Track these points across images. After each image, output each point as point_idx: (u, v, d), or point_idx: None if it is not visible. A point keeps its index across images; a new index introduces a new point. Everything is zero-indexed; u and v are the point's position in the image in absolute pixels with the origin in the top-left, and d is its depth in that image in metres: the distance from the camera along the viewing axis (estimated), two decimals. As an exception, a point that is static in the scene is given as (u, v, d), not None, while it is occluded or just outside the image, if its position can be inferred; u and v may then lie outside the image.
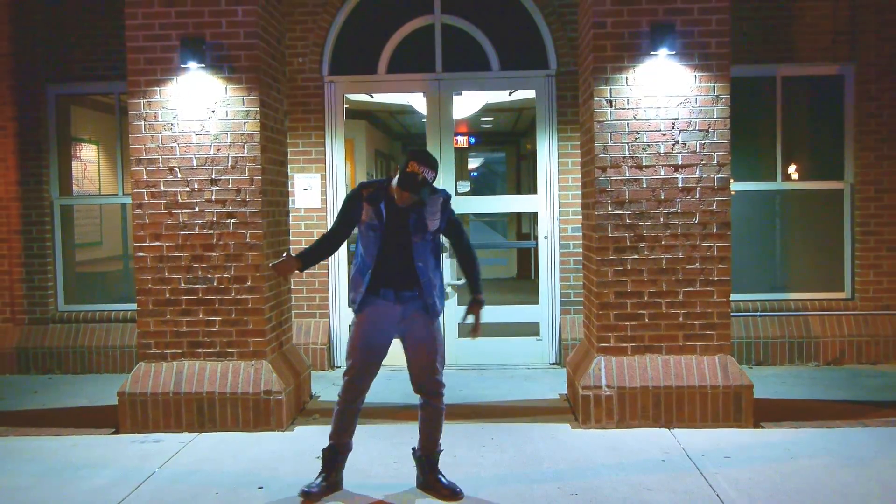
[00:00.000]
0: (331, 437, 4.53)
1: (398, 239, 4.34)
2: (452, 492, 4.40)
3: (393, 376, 6.90)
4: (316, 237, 7.76)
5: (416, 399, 4.57)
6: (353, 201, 4.41)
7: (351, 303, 4.47)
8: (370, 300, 4.38)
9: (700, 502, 4.33)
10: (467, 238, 4.55)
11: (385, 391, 6.70)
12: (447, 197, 4.45)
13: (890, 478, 4.61)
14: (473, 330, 4.51)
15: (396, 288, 4.35)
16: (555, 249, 7.82)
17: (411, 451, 4.63)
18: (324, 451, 4.54)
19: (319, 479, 4.48)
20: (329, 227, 4.52)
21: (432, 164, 4.27)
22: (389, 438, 5.45)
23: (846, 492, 4.42)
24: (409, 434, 5.22)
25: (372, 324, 4.40)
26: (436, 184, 4.41)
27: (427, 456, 4.51)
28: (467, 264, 4.53)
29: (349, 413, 4.52)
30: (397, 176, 4.30)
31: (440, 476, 4.49)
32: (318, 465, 4.78)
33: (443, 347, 4.51)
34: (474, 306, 4.48)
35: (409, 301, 4.38)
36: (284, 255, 4.60)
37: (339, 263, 7.91)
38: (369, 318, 4.40)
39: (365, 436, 5.26)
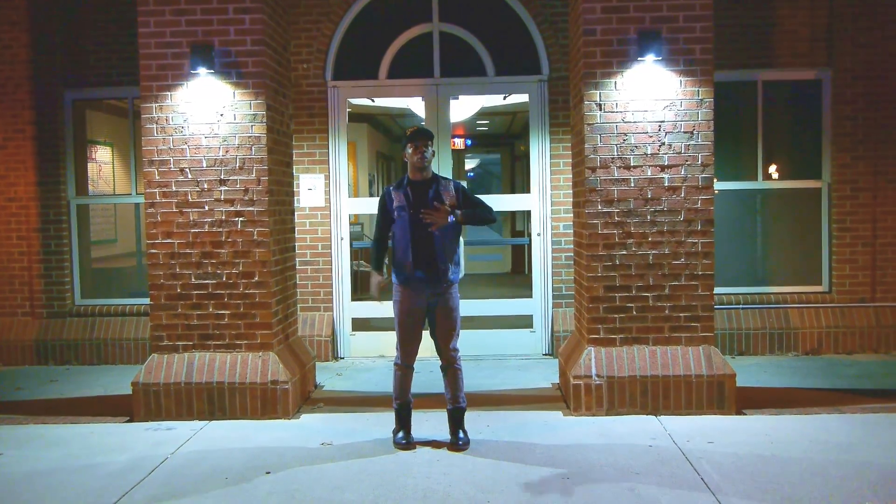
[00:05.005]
0: (396, 399, 5.17)
1: (421, 215, 4.93)
2: (455, 445, 5.02)
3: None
4: (320, 234, 7.83)
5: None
6: (385, 197, 5.11)
7: (398, 279, 5.05)
8: (410, 280, 4.99)
9: (685, 485, 4.34)
10: (484, 205, 5.08)
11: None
12: (457, 183, 5.12)
13: (865, 461, 4.62)
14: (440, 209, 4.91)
15: (425, 269, 4.95)
16: (547, 246, 7.82)
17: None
18: (395, 410, 5.18)
19: (402, 433, 5.11)
20: (374, 232, 5.27)
21: (423, 127, 5.07)
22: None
23: (824, 475, 4.43)
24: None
25: (411, 301, 5.03)
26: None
27: (453, 409, 5.11)
28: (478, 211, 5.06)
29: (405, 376, 5.15)
30: (407, 149, 4.97)
31: (458, 431, 5.07)
32: (323, 450, 4.81)
33: (458, 321, 5.11)
34: (445, 208, 4.92)
35: (435, 282, 4.97)
36: (377, 281, 5.21)
37: (341, 261, 7.90)
38: (407, 296, 5.03)
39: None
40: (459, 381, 5.13)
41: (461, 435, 5.05)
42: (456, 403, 5.12)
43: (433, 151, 5.04)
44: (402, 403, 5.15)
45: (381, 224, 5.15)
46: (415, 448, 5.00)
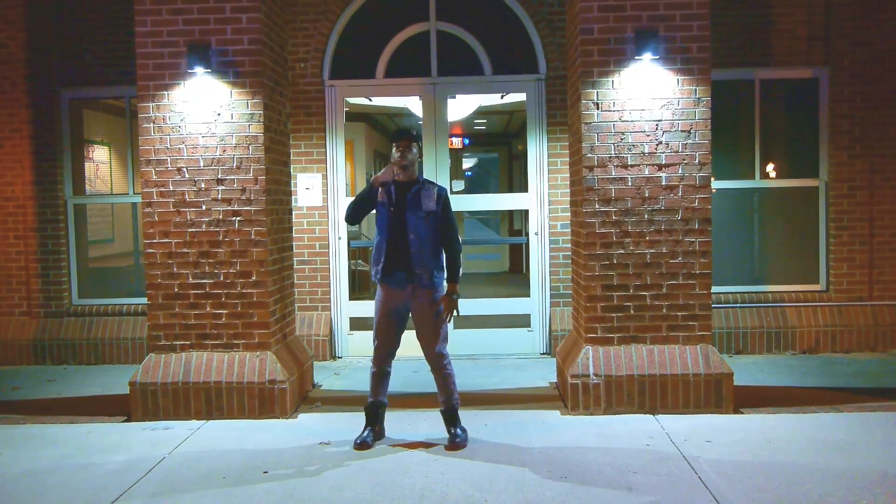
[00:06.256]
0: (370, 397, 5.15)
1: (400, 214, 4.96)
2: (452, 443, 5.01)
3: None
4: (318, 234, 7.82)
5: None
6: (371, 188, 5.05)
7: (374, 276, 5.06)
8: (386, 280, 4.99)
9: (683, 484, 4.34)
10: (455, 231, 5.09)
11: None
12: (442, 189, 5.08)
13: (862, 460, 4.62)
14: (439, 318, 5.03)
15: (405, 269, 4.93)
16: (545, 245, 7.81)
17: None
18: (366, 407, 5.15)
19: (367, 432, 5.07)
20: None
21: (407, 127, 4.91)
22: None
23: (821, 473, 4.43)
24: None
25: (389, 300, 5.02)
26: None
27: (446, 410, 5.13)
28: (449, 257, 5.07)
29: (381, 375, 5.14)
30: (392, 150, 4.97)
31: (453, 429, 5.08)
32: (320, 449, 4.81)
33: (445, 324, 5.06)
34: (445, 298, 5.04)
35: (416, 280, 4.95)
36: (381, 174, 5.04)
37: (339, 260, 7.90)
38: (386, 295, 5.02)
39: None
40: (449, 385, 5.12)
41: (457, 432, 5.05)
42: (447, 406, 5.13)
43: (416, 152, 5.01)
44: (373, 402, 5.13)
45: (364, 196, 5.06)
46: (370, 448, 4.97)
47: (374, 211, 5.15)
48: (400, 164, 4.96)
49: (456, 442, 4.99)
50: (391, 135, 5.05)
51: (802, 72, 7.86)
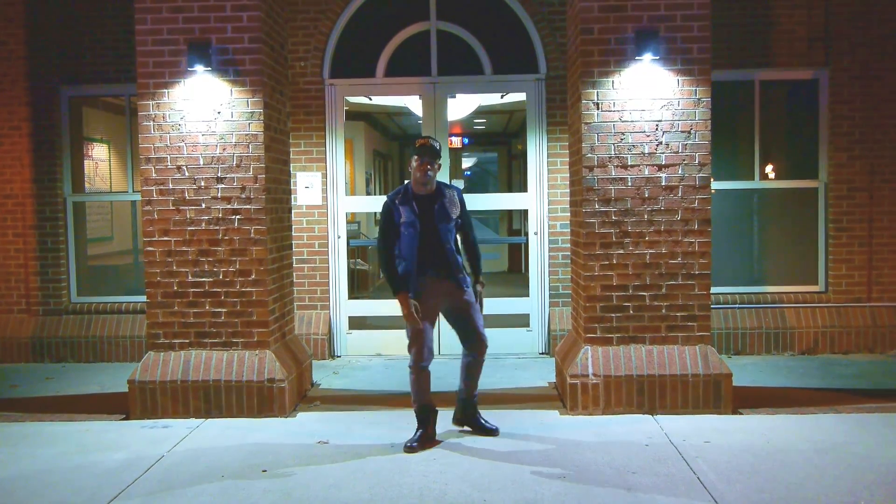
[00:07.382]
0: (415, 402, 5.13)
1: (429, 227, 5.00)
2: (495, 429, 5.22)
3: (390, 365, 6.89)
4: (317, 232, 7.82)
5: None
6: (390, 210, 5.05)
7: (414, 294, 5.00)
8: (429, 293, 5.02)
9: (681, 484, 4.34)
10: (474, 232, 5.27)
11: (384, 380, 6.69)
12: (458, 190, 5.19)
13: (861, 461, 4.62)
14: (478, 306, 5.21)
15: (436, 269, 5.01)
16: (544, 245, 7.81)
17: (457, 393, 5.33)
18: (416, 411, 5.12)
19: (417, 434, 5.03)
20: (381, 243, 5.08)
21: (434, 139, 5.09)
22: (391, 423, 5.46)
23: (819, 474, 4.43)
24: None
25: (423, 305, 5.01)
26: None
27: (469, 398, 5.26)
28: (472, 254, 5.27)
29: (423, 377, 5.11)
30: (413, 161, 4.98)
31: (479, 416, 5.27)
32: (319, 448, 4.80)
33: (480, 312, 5.19)
34: (478, 286, 5.22)
35: (447, 279, 5.03)
36: (413, 304, 5.00)
37: (339, 258, 7.89)
38: (424, 302, 5.01)
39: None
40: (481, 371, 5.27)
41: (485, 421, 5.24)
42: (470, 395, 5.27)
43: (440, 166, 5.03)
44: (423, 405, 5.11)
45: (390, 236, 5.05)
46: (417, 451, 4.90)
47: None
48: (421, 181, 4.95)
49: (495, 429, 5.20)
50: (415, 147, 4.97)
51: (802, 73, 7.86)
